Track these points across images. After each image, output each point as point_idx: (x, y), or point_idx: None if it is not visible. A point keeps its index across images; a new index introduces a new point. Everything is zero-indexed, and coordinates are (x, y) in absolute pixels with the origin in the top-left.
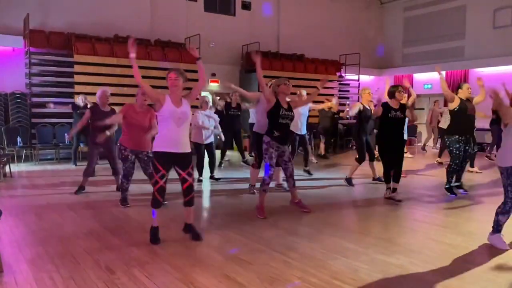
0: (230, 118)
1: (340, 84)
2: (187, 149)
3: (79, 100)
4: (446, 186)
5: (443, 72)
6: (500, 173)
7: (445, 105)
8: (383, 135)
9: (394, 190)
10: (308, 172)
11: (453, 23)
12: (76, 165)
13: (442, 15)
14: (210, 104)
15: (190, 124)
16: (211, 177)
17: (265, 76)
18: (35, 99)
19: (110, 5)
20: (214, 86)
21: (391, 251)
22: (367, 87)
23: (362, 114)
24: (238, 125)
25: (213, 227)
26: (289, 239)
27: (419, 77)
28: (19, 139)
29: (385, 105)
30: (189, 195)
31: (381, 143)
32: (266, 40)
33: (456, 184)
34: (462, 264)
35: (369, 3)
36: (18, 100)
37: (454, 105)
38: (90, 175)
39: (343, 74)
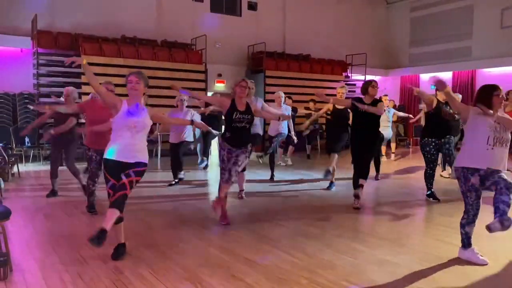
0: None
1: (346, 84)
2: (141, 158)
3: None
4: (427, 193)
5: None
6: (456, 177)
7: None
8: (353, 132)
9: (358, 191)
10: (260, 158)
11: (460, 23)
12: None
13: (449, 15)
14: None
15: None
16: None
17: (271, 77)
18: (42, 100)
19: (117, 6)
20: (220, 86)
21: (398, 252)
22: (343, 86)
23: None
24: (217, 127)
25: (220, 227)
26: (297, 239)
27: (425, 77)
28: (27, 139)
29: (356, 99)
30: (117, 193)
31: (351, 141)
32: (272, 41)
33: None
34: (472, 265)
35: (375, 3)
36: (26, 101)
37: (430, 107)
38: (55, 176)
39: (349, 74)
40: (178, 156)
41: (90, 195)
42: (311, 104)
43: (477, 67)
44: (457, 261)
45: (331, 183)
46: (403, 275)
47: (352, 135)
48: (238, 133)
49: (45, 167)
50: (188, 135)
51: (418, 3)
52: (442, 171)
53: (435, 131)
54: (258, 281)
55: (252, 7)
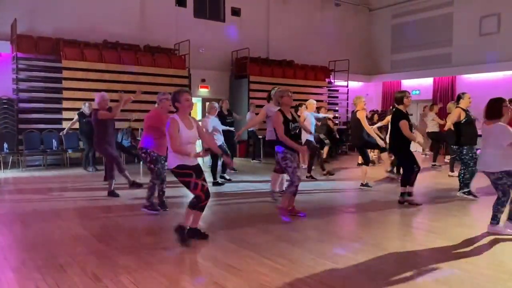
0: (226, 125)
1: (329, 90)
2: (196, 161)
3: (85, 108)
4: (465, 191)
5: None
6: (495, 178)
7: (431, 109)
8: (405, 139)
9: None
10: (312, 177)
11: (440, 30)
12: (86, 169)
13: (430, 22)
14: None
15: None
16: (215, 183)
17: (255, 82)
18: (22, 105)
19: (99, 10)
20: (204, 92)
21: (380, 257)
22: (360, 95)
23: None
24: (232, 132)
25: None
26: (279, 245)
27: (407, 83)
28: (5, 145)
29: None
30: (207, 200)
31: (406, 147)
32: (255, 46)
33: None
34: (452, 269)
35: (357, 10)
36: (5, 106)
37: (462, 117)
38: (123, 170)
39: (332, 80)
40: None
41: (152, 194)
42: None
43: (457, 73)
44: (439, 266)
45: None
46: (384, 280)
47: (406, 143)
48: (294, 140)
49: (24, 173)
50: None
51: (400, 10)
52: (450, 171)
53: (471, 139)
54: (240, 287)
55: (236, 12)
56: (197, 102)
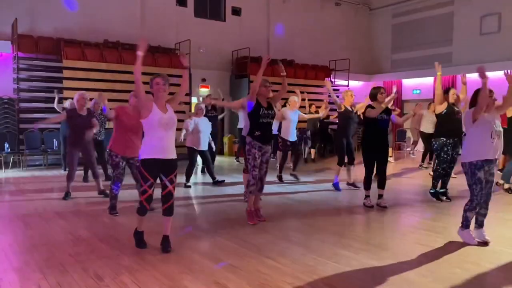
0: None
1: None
2: (174, 155)
3: (67, 105)
4: (431, 191)
5: (438, 73)
6: (464, 173)
7: (428, 108)
8: (367, 137)
9: (380, 196)
10: (295, 177)
11: (441, 30)
12: (65, 170)
13: (430, 21)
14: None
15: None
16: (215, 182)
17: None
18: (23, 105)
19: (100, 10)
20: (204, 91)
21: (381, 257)
22: (349, 89)
23: (344, 116)
24: (215, 127)
25: (203, 233)
26: (280, 244)
27: (407, 82)
28: (6, 145)
29: (370, 107)
30: (168, 202)
31: (365, 146)
32: (256, 46)
33: (442, 190)
34: (452, 269)
35: (358, 10)
36: (5, 106)
37: (442, 108)
38: (72, 179)
39: (332, 80)
40: (194, 163)
41: (112, 198)
42: (313, 108)
43: (458, 72)
44: (440, 265)
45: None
46: (386, 279)
47: (369, 141)
48: (265, 128)
49: (25, 173)
50: (203, 142)
51: (400, 9)
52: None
53: (450, 132)
54: (241, 287)
55: (236, 12)
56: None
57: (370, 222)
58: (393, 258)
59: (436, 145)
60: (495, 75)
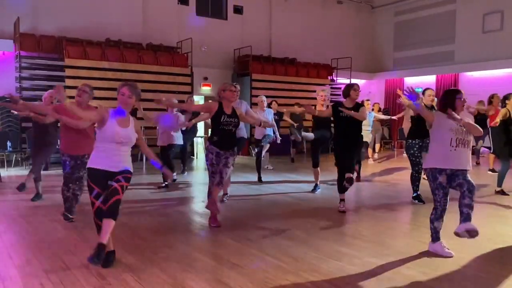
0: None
1: (332, 88)
2: (126, 166)
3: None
4: (414, 195)
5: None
6: (426, 177)
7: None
8: (336, 136)
9: (344, 195)
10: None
11: (443, 28)
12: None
13: (432, 19)
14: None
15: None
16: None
17: (257, 80)
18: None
19: (102, 9)
20: (206, 90)
21: (383, 254)
22: (323, 89)
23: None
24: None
25: (205, 232)
26: (282, 243)
27: (410, 80)
28: (9, 144)
29: (337, 104)
30: (110, 200)
31: (334, 145)
32: (258, 44)
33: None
34: (454, 267)
35: (360, 8)
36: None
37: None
38: (39, 179)
39: (334, 78)
40: (169, 158)
41: (65, 201)
42: (296, 108)
43: (460, 70)
44: (442, 263)
45: (316, 185)
46: (387, 277)
47: (336, 140)
48: (225, 136)
49: (28, 172)
50: (178, 137)
51: (402, 8)
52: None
53: (419, 133)
54: (243, 285)
55: (238, 10)
56: (199, 100)
57: (371, 220)
58: (394, 256)
59: (405, 147)
60: (498, 73)
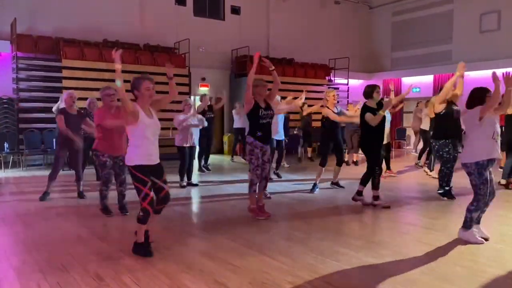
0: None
1: (329, 88)
2: (158, 159)
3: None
4: (440, 191)
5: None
6: (467, 173)
7: (426, 106)
8: (372, 136)
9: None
10: (278, 175)
11: (440, 28)
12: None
13: (430, 19)
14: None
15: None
16: (189, 184)
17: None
18: (22, 104)
19: (99, 9)
20: (204, 90)
21: (381, 254)
22: (332, 89)
23: (328, 120)
24: (212, 129)
25: (203, 233)
26: (280, 243)
27: (407, 80)
28: (6, 145)
29: (367, 107)
30: (165, 203)
31: (367, 144)
32: (255, 45)
33: (447, 188)
34: (453, 266)
35: (357, 8)
36: (5, 106)
37: (441, 107)
38: (54, 179)
39: (332, 78)
40: (191, 160)
41: (103, 198)
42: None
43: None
44: (440, 263)
45: (315, 185)
46: (386, 277)
47: (372, 139)
48: (266, 129)
49: (25, 173)
50: (196, 139)
51: (400, 8)
52: (430, 171)
53: (447, 132)
54: (241, 286)
55: (236, 11)
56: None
57: (369, 220)
58: (393, 256)
59: (437, 146)
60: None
